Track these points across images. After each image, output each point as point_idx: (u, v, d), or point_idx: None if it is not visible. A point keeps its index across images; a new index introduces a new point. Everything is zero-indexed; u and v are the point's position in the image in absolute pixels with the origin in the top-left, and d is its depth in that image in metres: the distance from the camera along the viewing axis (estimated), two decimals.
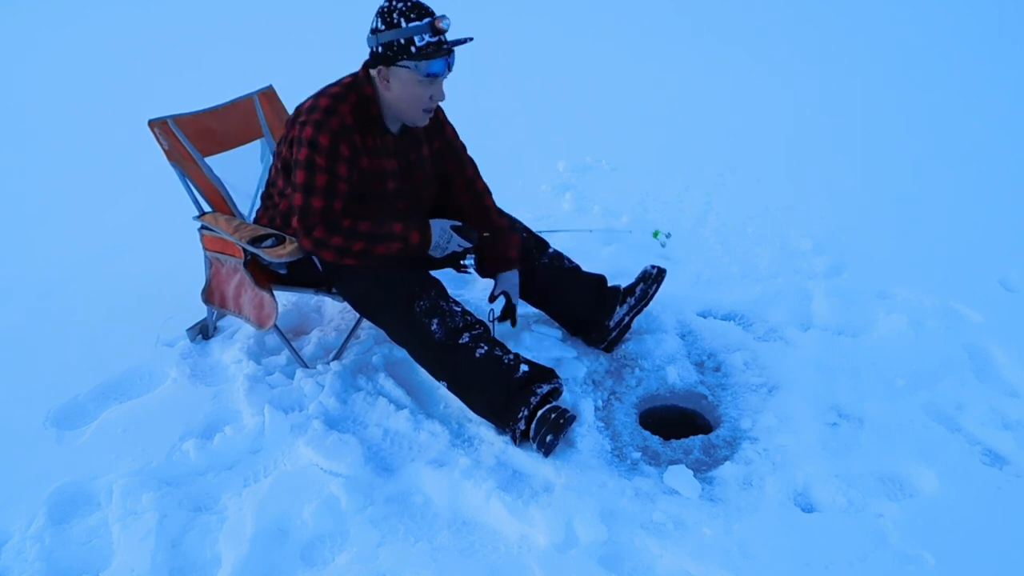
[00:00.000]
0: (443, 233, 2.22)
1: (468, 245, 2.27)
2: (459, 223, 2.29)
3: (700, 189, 4.01)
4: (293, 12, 9.04)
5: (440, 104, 2.23)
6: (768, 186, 4.03)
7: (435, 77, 2.05)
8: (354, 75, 2.17)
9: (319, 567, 1.76)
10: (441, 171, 2.41)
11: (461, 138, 2.47)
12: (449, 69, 2.07)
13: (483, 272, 2.43)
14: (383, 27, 2.00)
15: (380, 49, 2.03)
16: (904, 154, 4.54)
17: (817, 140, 4.80)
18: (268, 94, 2.85)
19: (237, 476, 2.03)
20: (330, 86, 2.16)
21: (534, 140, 4.89)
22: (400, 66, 2.03)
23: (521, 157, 4.50)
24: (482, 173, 2.49)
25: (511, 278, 2.40)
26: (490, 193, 2.48)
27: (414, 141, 2.29)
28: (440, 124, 2.39)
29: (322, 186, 2.07)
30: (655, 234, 2.12)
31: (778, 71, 6.45)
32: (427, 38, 1.99)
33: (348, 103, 2.10)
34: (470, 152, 2.49)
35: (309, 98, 2.16)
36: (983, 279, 2.98)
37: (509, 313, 2.42)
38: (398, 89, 2.08)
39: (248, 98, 2.78)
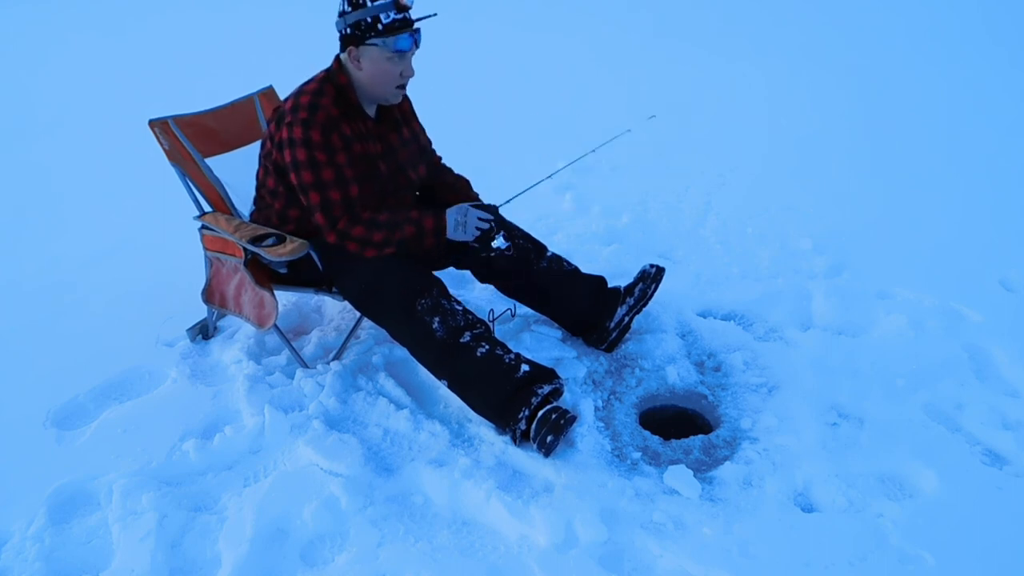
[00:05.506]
0: (459, 211, 2.26)
1: (489, 217, 2.29)
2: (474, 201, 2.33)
3: (700, 189, 4.01)
4: (293, 12, 9.04)
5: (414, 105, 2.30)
6: (768, 186, 4.03)
7: (403, 53, 2.12)
8: (327, 69, 2.23)
9: (319, 567, 1.76)
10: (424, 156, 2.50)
11: (435, 135, 2.56)
12: (416, 45, 2.15)
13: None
14: (350, 8, 2.09)
15: (348, 30, 2.12)
16: (904, 154, 4.53)
17: (817, 140, 4.79)
18: (268, 95, 2.85)
19: (237, 476, 2.03)
20: (306, 84, 2.21)
21: (534, 140, 4.88)
22: (369, 44, 2.10)
23: (521, 157, 4.49)
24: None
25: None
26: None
27: (392, 124, 2.35)
28: (409, 114, 2.47)
29: (332, 179, 2.13)
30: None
31: (778, 71, 6.44)
32: (392, 15, 2.08)
33: (328, 96, 2.16)
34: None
35: (288, 98, 2.21)
36: (983, 279, 2.98)
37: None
38: (369, 67, 2.14)
39: (248, 99, 2.78)
